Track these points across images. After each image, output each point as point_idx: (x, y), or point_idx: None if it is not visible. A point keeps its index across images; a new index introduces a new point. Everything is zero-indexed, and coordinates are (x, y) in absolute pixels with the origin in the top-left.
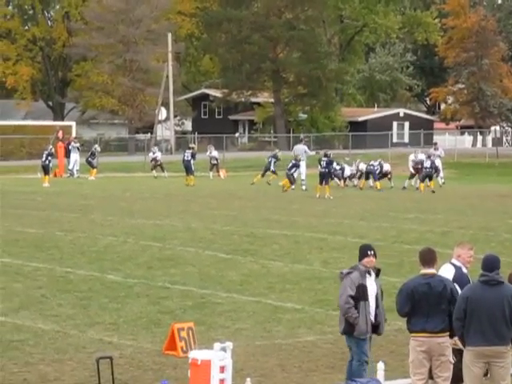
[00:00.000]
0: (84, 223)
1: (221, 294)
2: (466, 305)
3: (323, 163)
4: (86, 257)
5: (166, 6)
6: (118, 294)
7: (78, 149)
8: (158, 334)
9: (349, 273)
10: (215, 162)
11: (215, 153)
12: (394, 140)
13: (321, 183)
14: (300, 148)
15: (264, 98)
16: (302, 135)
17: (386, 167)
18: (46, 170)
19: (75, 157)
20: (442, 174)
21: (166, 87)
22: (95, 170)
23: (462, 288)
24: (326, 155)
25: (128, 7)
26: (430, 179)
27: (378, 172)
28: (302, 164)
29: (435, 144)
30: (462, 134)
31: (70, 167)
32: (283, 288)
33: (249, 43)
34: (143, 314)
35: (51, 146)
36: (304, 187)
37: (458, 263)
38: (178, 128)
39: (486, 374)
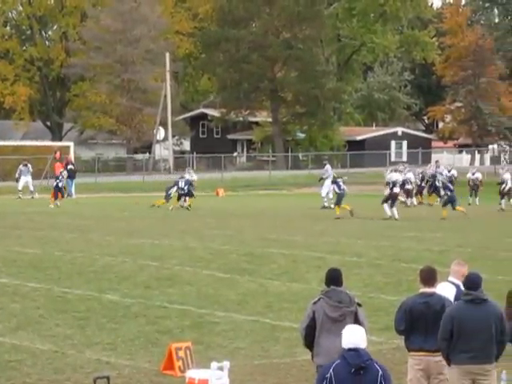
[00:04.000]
0: (82, 243)
1: (218, 313)
2: (453, 325)
3: (181, 183)
4: (83, 277)
5: (164, 25)
6: (115, 313)
7: (29, 171)
8: (155, 353)
9: None
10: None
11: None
12: (392, 159)
13: (178, 199)
14: (330, 168)
15: (262, 117)
16: (300, 155)
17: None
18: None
19: (25, 179)
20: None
21: (164, 107)
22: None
23: None
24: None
25: (126, 27)
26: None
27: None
28: (328, 182)
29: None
30: (460, 152)
31: (20, 188)
32: (281, 307)
33: (247, 62)
34: (141, 333)
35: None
36: (326, 204)
37: (456, 281)
38: (176, 148)
39: None
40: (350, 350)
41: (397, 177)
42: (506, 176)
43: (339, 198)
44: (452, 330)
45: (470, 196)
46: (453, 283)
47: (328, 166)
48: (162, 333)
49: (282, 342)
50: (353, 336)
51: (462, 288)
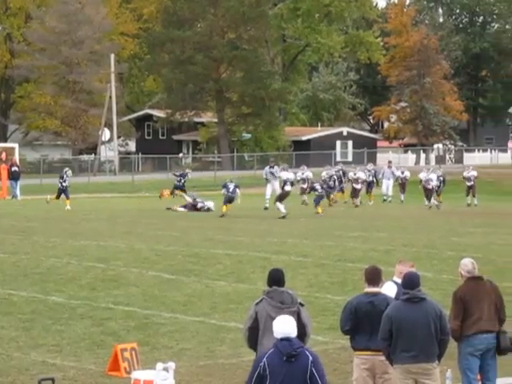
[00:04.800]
0: (27, 245)
1: (164, 314)
2: (391, 324)
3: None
4: (29, 279)
5: (109, 27)
6: (61, 315)
7: None
8: (101, 355)
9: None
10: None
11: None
12: (338, 159)
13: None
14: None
15: (208, 118)
16: (246, 155)
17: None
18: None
19: None
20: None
21: (109, 108)
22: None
23: None
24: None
25: (70, 28)
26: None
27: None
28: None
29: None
30: (406, 152)
31: None
32: (227, 308)
33: (192, 63)
34: (86, 335)
35: (67, 169)
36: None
37: (399, 280)
38: (121, 149)
39: None
40: (282, 339)
41: (287, 175)
42: (432, 176)
43: (229, 199)
44: (391, 329)
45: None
46: (396, 283)
47: (277, 168)
48: (107, 334)
49: (227, 343)
50: (284, 326)
51: None
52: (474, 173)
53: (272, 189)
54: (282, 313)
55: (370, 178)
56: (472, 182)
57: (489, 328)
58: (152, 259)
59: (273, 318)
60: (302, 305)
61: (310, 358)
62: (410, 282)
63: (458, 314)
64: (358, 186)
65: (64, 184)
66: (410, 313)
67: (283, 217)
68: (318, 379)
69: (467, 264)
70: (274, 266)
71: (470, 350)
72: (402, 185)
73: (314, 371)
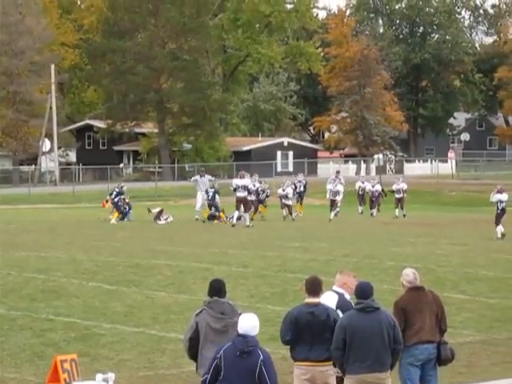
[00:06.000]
0: None
1: (105, 325)
2: (345, 334)
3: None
4: None
5: (49, 37)
6: (1, 326)
7: None
8: (41, 366)
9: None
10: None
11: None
12: (279, 169)
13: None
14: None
15: (148, 128)
16: (186, 166)
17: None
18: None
19: None
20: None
21: (50, 118)
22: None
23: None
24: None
25: (11, 39)
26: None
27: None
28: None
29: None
30: (346, 162)
31: None
32: (167, 318)
33: (133, 74)
34: (27, 346)
35: (123, 184)
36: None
37: (340, 290)
38: (62, 159)
39: None
40: (239, 335)
41: (240, 182)
42: (289, 190)
43: (209, 205)
44: (345, 339)
45: (371, 208)
46: (336, 292)
47: (208, 176)
48: (47, 345)
49: (168, 354)
50: (244, 324)
51: (346, 297)
52: (404, 185)
53: (202, 199)
54: (222, 323)
55: (302, 189)
56: (401, 195)
57: (430, 338)
58: (92, 270)
59: (213, 329)
60: None
61: (261, 357)
62: (362, 292)
63: (399, 324)
64: (289, 202)
65: (120, 202)
66: (364, 322)
67: (247, 226)
68: (267, 378)
69: (409, 274)
70: (215, 277)
71: (411, 360)
72: (361, 196)
73: (264, 370)
